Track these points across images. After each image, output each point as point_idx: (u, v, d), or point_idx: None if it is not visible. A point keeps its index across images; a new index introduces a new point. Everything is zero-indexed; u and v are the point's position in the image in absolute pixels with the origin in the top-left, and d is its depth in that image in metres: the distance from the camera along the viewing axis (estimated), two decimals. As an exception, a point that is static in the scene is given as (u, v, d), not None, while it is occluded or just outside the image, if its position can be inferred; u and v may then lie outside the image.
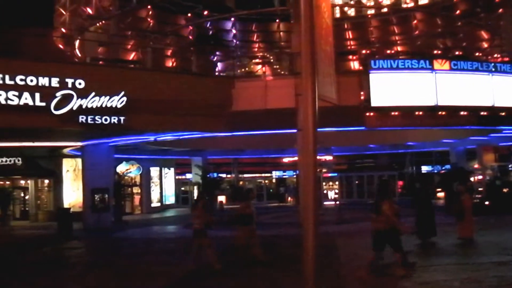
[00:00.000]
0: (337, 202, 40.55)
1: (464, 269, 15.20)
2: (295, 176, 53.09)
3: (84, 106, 23.90)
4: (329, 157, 47.51)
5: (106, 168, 34.17)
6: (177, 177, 55.21)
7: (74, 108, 23.71)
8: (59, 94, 23.47)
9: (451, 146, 45.39)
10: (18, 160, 39.81)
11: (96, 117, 24.27)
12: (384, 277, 14.56)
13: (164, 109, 25.75)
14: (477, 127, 30.03)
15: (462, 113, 27.63)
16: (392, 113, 27.10)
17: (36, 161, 40.70)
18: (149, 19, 41.10)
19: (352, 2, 47.12)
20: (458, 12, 40.99)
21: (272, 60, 38.66)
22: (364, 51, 41.81)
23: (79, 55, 33.88)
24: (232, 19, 45.22)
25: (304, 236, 8.34)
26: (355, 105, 25.95)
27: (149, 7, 40.29)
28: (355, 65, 40.31)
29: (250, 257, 17.01)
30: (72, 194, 39.70)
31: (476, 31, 41.21)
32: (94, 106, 24.14)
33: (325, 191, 51.44)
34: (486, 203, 30.84)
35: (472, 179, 35.54)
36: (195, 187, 49.98)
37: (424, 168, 59.86)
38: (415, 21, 45.21)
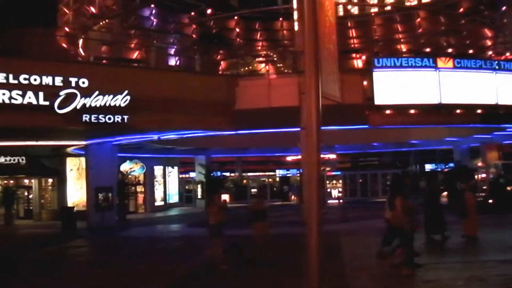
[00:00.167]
0: (341, 201, 40.59)
1: (468, 267, 15.18)
2: (298, 174, 53.01)
3: (87, 105, 23.95)
4: (332, 156, 47.49)
5: (110, 167, 34.19)
6: (180, 175, 55.18)
7: (78, 107, 23.77)
8: (62, 93, 23.55)
9: (455, 144, 45.35)
10: (22, 159, 39.86)
11: (100, 116, 24.34)
12: (391, 276, 14.57)
13: (168, 108, 25.78)
14: (480, 125, 29.99)
15: (465, 111, 27.59)
16: (396, 111, 27.07)
17: (39, 160, 40.74)
18: (152, 18, 41.10)
19: (355, 0, 47.03)
20: (461, 10, 40.92)
21: (275, 59, 38.68)
22: (367, 49, 41.76)
23: (83, 54, 33.94)
24: (236, 17, 45.19)
25: (308, 235, 8.33)
26: (358, 103, 25.94)
27: (152, 6, 40.27)
28: (358, 63, 40.32)
29: (258, 256, 17.03)
30: (76, 193, 39.75)
31: (480, 29, 41.13)
32: (98, 105, 24.19)
33: (328, 190, 51.45)
34: (490, 201, 30.75)
35: (475, 177, 35.38)
36: (199, 186, 50.09)
37: (428, 167, 59.80)
38: (418, 19, 45.12)
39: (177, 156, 50.47)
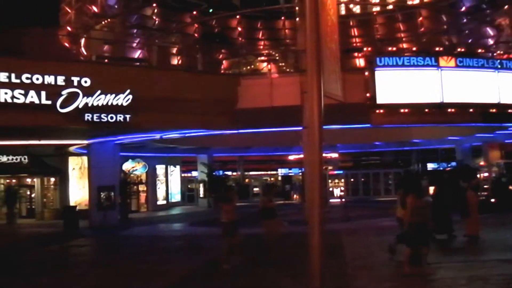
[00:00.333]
0: (343, 200, 40.56)
1: (470, 266, 15.16)
2: (300, 173, 53.01)
3: (90, 104, 23.98)
4: (334, 155, 47.47)
5: (112, 166, 34.22)
6: (183, 174, 55.20)
7: (80, 106, 23.80)
8: (65, 92, 23.57)
9: (457, 143, 45.30)
10: (24, 158, 39.90)
11: (102, 115, 24.36)
12: (393, 275, 14.57)
13: (170, 107, 25.79)
14: (483, 124, 29.94)
15: (468, 110, 27.55)
16: (398, 110, 27.04)
17: (42, 159, 40.78)
18: (154, 17, 41.10)
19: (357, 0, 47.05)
20: (463, 8, 40.87)
21: (277, 58, 38.64)
22: (369, 49, 41.74)
23: (85, 53, 33.98)
24: (238, 16, 45.18)
25: (310, 234, 8.34)
26: (360, 102, 25.92)
27: (154, 5, 40.28)
28: (360, 62, 40.27)
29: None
30: (78, 192, 39.77)
31: (482, 27, 41.08)
32: (100, 104, 24.22)
33: (330, 189, 51.42)
34: (492, 200, 30.74)
35: (478, 176, 35.35)
36: (201, 185, 50.13)
37: (430, 166, 59.68)
38: (420, 18, 45.09)
39: (179, 155, 50.50)
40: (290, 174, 59.52)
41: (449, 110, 27.19)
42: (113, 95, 24.45)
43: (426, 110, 27.18)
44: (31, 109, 23.04)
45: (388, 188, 53.38)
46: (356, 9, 47.83)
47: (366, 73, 27.10)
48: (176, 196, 52.20)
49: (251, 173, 59.21)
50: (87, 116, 24.08)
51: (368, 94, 26.63)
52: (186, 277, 15.78)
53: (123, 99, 24.61)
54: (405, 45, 44.74)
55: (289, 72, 33.34)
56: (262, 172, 60.11)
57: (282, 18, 46.77)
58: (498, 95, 27.72)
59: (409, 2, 45.50)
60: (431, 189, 24.13)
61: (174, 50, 40.78)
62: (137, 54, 37.19)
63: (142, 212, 44.71)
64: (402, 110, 26.97)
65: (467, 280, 13.41)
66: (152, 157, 45.66)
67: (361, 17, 47.66)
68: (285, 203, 47.57)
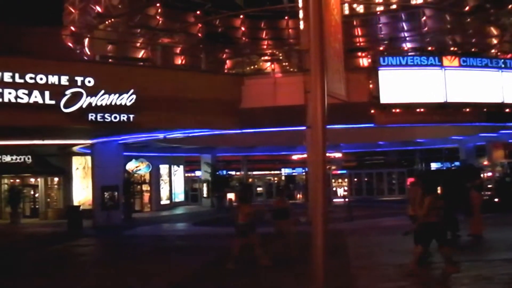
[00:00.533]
0: (346, 199, 40.57)
1: (474, 266, 15.13)
2: (304, 173, 53.03)
3: (93, 104, 24.01)
4: (338, 154, 47.51)
5: (116, 165, 34.26)
6: (186, 174, 55.27)
7: (84, 106, 23.84)
8: (68, 92, 23.61)
9: (461, 143, 45.25)
10: (28, 158, 39.99)
11: (106, 115, 24.40)
12: (394, 275, 14.56)
13: (173, 107, 25.83)
14: (486, 124, 29.92)
15: (471, 109, 27.53)
16: (401, 110, 27.02)
17: (45, 159, 40.87)
18: (158, 17, 41.13)
19: (361, -1, 47.02)
20: (467, 8, 40.81)
21: (281, 57, 38.64)
22: (373, 48, 41.70)
23: (89, 53, 33.98)
24: (241, 16, 45.19)
25: (313, 234, 8.33)
26: (364, 102, 25.91)
27: (158, 4, 40.31)
28: (364, 62, 40.24)
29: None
30: (82, 192, 39.87)
31: (486, 27, 41.01)
32: (104, 104, 24.25)
33: (334, 189, 51.46)
34: (496, 200, 30.70)
35: (481, 176, 35.34)
36: (205, 185, 50.15)
37: (434, 165, 59.63)
38: (424, 18, 45.04)
39: (182, 154, 50.57)
40: (293, 173, 59.52)
41: (452, 109, 27.17)
42: (117, 95, 24.48)
43: (430, 109, 27.17)
44: (35, 109, 23.08)
45: (391, 188, 53.39)
46: (360, 8, 47.78)
47: (370, 73, 27.09)
48: (179, 196, 52.28)
49: (254, 172, 59.21)
50: (91, 116, 24.11)
51: (371, 94, 26.62)
52: (188, 277, 15.79)
53: (127, 99, 24.64)
54: (408, 45, 44.75)
55: (293, 71, 33.36)
56: (266, 172, 60.10)
57: (286, 17, 46.75)
58: (502, 95, 27.70)
59: (413, 2, 45.43)
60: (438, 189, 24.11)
61: (178, 50, 40.80)
62: (140, 54, 37.22)
63: (146, 211, 44.77)
64: (405, 110, 26.96)
65: (471, 280, 13.40)
66: (156, 156, 45.73)
67: (364, 17, 47.62)
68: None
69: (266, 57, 37.99)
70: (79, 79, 23.90)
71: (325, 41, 8.45)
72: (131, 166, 43.60)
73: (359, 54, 42.20)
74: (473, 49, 33.23)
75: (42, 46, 28.83)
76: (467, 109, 27.48)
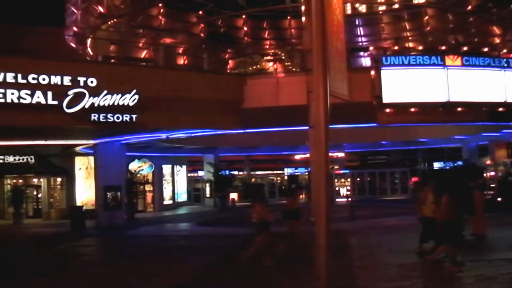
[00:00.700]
0: (349, 199, 40.53)
1: (477, 265, 15.13)
2: (307, 173, 52.99)
3: (96, 104, 23.99)
4: (341, 154, 47.47)
5: (119, 166, 34.28)
6: (189, 174, 55.28)
7: (86, 106, 23.81)
8: (71, 92, 23.58)
9: (463, 142, 45.23)
10: (31, 159, 40.04)
11: (108, 115, 24.37)
12: (396, 275, 14.55)
13: (176, 107, 25.82)
14: (489, 123, 29.87)
15: (474, 109, 27.50)
16: (404, 110, 26.99)
17: (48, 159, 40.91)
18: (160, 17, 41.14)
19: (363, -1, 46.99)
20: (469, 7, 40.77)
21: (283, 57, 38.61)
22: (375, 48, 41.69)
23: (91, 53, 34.03)
24: (244, 16, 45.18)
25: (316, 233, 8.33)
26: (366, 101, 25.88)
27: (160, 5, 40.32)
28: (366, 61, 40.21)
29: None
30: (85, 192, 39.89)
31: (488, 26, 40.96)
32: (106, 104, 24.22)
33: (337, 188, 51.39)
34: (499, 199, 30.66)
35: (484, 175, 35.28)
36: (207, 185, 50.17)
37: (436, 165, 59.56)
38: (426, 17, 45.00)
39: (185, 154, 50.56)
40: (296, 173, 59.46)
41: (455, 109, 27.15)
42: (119, 95, 24.46)
43: (432, 109, 27.15)
44: (38, 109, 23.05)
45: (394, 188, 53.34)
46: (362, 8, 47.76)
47: (372, 72, 27.07)
48: (182, 196, 52.29)
49: (257, 172, 59.19)
50: (94, 116, 24.09)
51: (374, 94, 26.60)
52: (190, 277, 15.79)
53: (129, 99, 24.62)
54: (411, 44, 44.71)
55: (295, 71, 33.31)
56: (269, 172, 60.05)
57: (288, 17, 46.74)
58: (505, 94, 27.67)
59: (415, 1, 45.40)
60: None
61: (180, 50, 40.81)
62: (143, 54, 37.23)
63: (149, 212, 44.79)
64: (408, 109, 26.94)
65: (474, 279, 13.40)
66: (159, 156, 45.73)
67: (366, 16, 47.59)
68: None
69: (269, 57, 37.94)
70: (81, 80, 23.88)
71: (328, 40, 8.46)
72: (133, 166, 43.60)
73: (362, 53, 42.19)
74: (475, 49, 33.12)
75: (44, 46, 28.85)
76: (470, 108, 27.45)
